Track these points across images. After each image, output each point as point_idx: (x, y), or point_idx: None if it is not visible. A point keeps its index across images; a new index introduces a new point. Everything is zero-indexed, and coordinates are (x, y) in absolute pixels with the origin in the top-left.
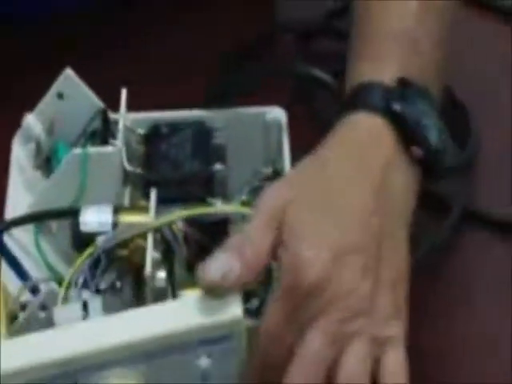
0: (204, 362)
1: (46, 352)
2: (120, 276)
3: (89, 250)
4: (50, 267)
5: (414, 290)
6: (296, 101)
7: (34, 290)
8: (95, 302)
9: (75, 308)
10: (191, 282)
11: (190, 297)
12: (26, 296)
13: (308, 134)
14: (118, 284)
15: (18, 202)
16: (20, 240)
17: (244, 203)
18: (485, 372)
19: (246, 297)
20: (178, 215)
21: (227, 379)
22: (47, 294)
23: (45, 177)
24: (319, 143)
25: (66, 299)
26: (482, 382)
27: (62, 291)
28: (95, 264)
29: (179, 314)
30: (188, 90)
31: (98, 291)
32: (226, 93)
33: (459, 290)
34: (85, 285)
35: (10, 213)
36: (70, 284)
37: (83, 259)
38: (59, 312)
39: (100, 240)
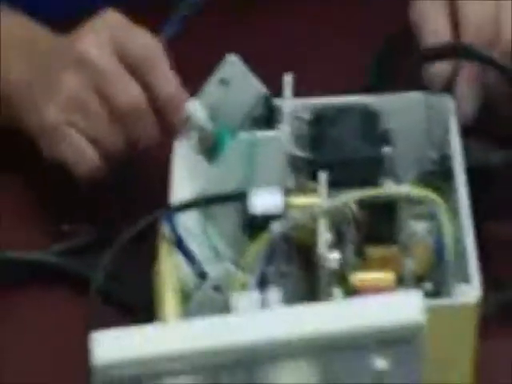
0: (379, 363)
1: (220, 337)
2: (289, 260)
3: (265, 235)
4: (216, 252)
5: None
6: None
7: (203, 276)
8: (275, 292)
9: (254, 296)
10: (360, 266)
11: (371, 296)
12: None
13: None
14: (286, 268)
15: (183, 189)
16: (186, 226)
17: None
18: None
19: (419, 281)
20: (351, 196)
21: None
22: (223, 275)
23: (209, 164)
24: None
25: (243, 285)
26: None
27: (240, 275)
28: (271, 250)
29: (360, 312)
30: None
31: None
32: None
33: None
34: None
35: (175, 199)
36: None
37: (261, 244)
38: (237, 298)
39: (276, 225)
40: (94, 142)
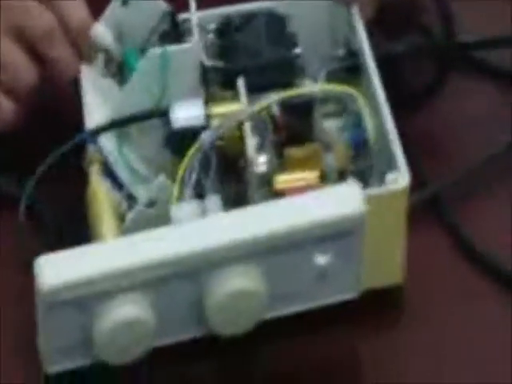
0: (322, 259)
1: (165, 249)
2: (218, 168)
3: (195, 146)
4: (135, 173)
5: None
6: None
7: (131, 197)
8: (214, 199)
9: (194, 205)
10: (282, 169)
11: (309, 193)
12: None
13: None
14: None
15: (97, 113)
16: (105, 148)
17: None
18: None
19: (340, 177)
20: (273, 99)
21: (344, 277)
22: (158, 190)
23: (120, 86)
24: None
25: (178, 198)
26: None
27: (176, 188)
28: (203, 160)
29: (301, 209)
30: None
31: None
32: None
33: None
34: (197, 183)
35: (90, 123)
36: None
37: (191, 155)
38: (177, 210)
39: (206, 135)
40: (8, 92)
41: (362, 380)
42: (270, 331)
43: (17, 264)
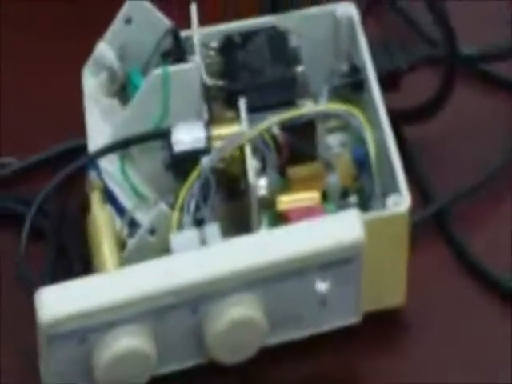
0: (322, 286)
1: (164, 280)
2: (219, 192)
3: (195, 171)
4: (139, 196)
5: None
6: None
7: (133, 224)
8: (212, 227)
9: (192, 234)
10: (285, 189)
11: (309, 222)
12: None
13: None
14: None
15: (99, 133)
16: (107, 169)
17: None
18: None
19: (344, 196)
20: (273, 120)
21: (345, 303)
22: (157, 217)
23: (122, 105)
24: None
25: (179, 225)
26: None
27: (175, 215)
28: (203, 185)
29: (298, 238)
30: None
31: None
32: None
33: None
34: (197, 208)
35: (94, 143)
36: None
37: (191, 182)
38: (176, 239)
39: (206, 160)
40: None
41: None
42: (270, 352)
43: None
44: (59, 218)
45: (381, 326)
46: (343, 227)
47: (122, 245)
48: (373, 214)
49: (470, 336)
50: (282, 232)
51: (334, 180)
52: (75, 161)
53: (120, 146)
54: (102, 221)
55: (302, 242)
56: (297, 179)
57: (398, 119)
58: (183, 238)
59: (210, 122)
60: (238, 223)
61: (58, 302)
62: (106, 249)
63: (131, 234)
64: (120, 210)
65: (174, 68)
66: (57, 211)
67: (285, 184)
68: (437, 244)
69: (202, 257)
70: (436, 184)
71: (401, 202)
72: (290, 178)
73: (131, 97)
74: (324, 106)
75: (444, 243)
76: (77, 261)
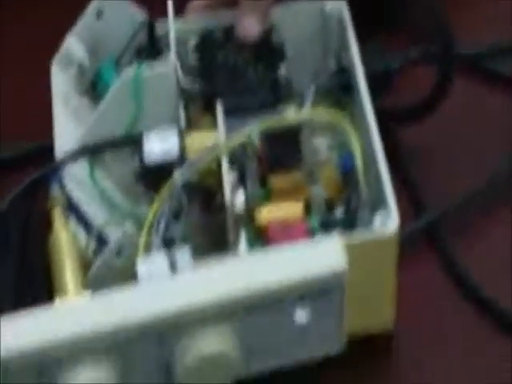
0: (302, 317)
1: (129, 312)
2: (191, 207)
3: (166, 188)
4: (110, 203)
5: None
6: None
7: (101, 241)
8: (183, 251)
9: (161, 259)
10: (265, 197)
11: (288, 248)
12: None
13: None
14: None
15: (67, 133)
16: (76, 175)
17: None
18: None
19: (329, 208)
20: (252, 130)
21: (326, 333)
22: (123, 239)
23: (92, 103)
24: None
25: (146, 246)
26: None
27: (143, 236)
28: (174, 204)
29: (276, 266)
30: None
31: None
32: None
33: None
34: (166, 228)
35: (61, 146)
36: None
37: (162, 199)
38: (143, 263)
39: (177, 175)
40: None
41: None
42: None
43: None
44: (22, 230)
45: (369, 352)
46: (324, 256)
47: (88, 263)
48: (358, 237)
49: (466, 359)
50: (258, 260)
51: (318, 192)
52: (40, 168)
53: (88, 152)
54: (64, 240)
55: (280, 271)
56: (279, 189)
57: (390, 122)
58: (151, 264)
59: (187, 126)
60: (214, 238)
61: (15, 335)
62: (67, 271)
63: (99, 250)
64: (87, 223)
65: (147, 68)
66: (20, 222)
67: (266, 194)
68: (428, 257)
69: (169, 287)
70: (429, 191)
71: (389, 221)
72: (271, 187)
73: (101, 95)
74: (307, 113)
75: (435, 256)
76: (40, 278)
